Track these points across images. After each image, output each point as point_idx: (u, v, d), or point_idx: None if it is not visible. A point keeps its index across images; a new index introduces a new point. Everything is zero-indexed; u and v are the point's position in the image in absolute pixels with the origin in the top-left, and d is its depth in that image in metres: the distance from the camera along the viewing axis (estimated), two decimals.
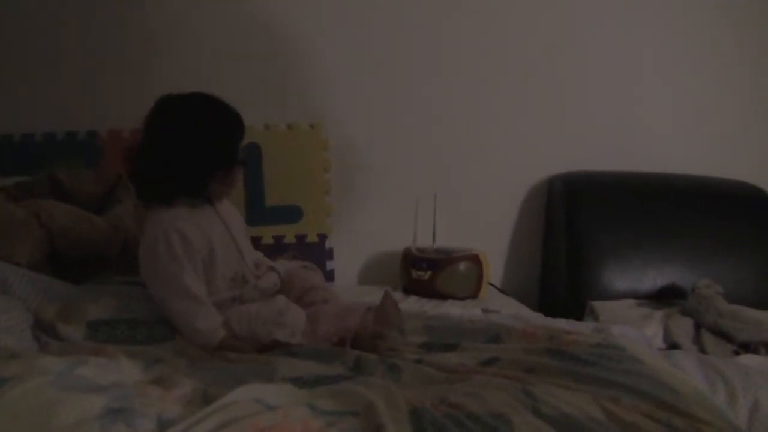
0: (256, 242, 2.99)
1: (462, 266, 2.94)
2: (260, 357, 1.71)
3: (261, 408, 1.20)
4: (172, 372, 1.49)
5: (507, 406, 1.26)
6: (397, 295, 2.94)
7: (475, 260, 2.95)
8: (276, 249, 3.04)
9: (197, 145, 1.87)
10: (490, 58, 3.28)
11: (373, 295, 2.79)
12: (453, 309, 2.64)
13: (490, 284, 3.12)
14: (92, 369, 1.33)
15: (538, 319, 2.34)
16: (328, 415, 1.21)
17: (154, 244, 1.82)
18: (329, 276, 3.16)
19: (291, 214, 3.15)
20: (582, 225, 3.11)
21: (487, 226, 3.35)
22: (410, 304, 2.79)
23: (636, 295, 2.96)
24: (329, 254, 3.20)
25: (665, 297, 2.94)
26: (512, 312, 2.58)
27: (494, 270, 3.25)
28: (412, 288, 2.99)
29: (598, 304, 2.84)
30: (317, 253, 3.15)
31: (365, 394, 1.27)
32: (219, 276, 1.90)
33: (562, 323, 2.20)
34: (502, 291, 3.25)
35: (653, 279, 3.01)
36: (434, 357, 1.74)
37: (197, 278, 1.84)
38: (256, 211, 3.12)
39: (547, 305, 3.16)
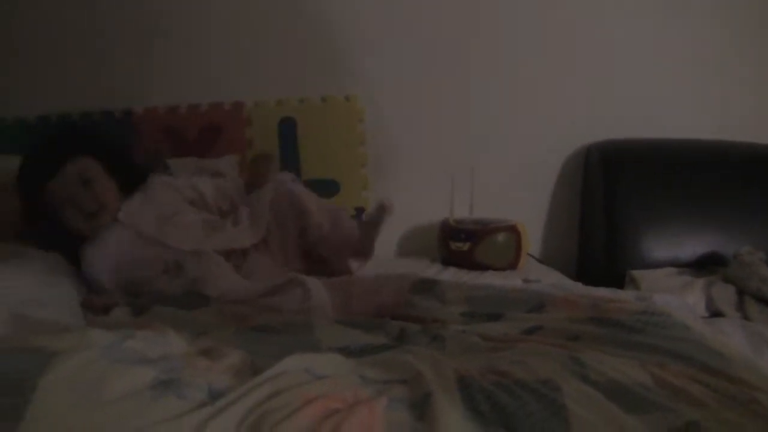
0: None
1: (500, 237, 2.92)
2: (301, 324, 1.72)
3: (310, 377, 1.21)
4: (218, 343, 1.50)
5: (554, 373, 1.25)
6: (436, 267, 2.95)
7: (514, 230, 2.93)
8: None
9: None
10: (527, 27, 3.27)
11: (412, 268, 2.82)
12: (493, 280, 2.63)
13: (529, 254, 3.10)
14: (140, 342, 1.34)
15: (580, 288, 2.33)
16: (376, 384, 1.21)
17: None
18: None
19: (328, 187, 3.14)
20: (620, 193, 3.09)
21: (523, 196, 3.34)
22: (450, 275, 2.79)
23: (676, 264, 2.94)
24: None
25: (705, 265, 2.91)
26: (553, 282, 2.57)
27: (532, 240, 3.23)
28: (450, 260, 2.99)
29: (638, 273, 2.82)
30: None
31: (413, 363, 1.27)
32: (150, 278, 2.05)
33: (604, 292, 2.19)
34: (540, 261, 3.24)
35: (693, 247, 2.99)
36: (477, 327, 1.74)
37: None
38: None
39: (586, 275, 3.13)
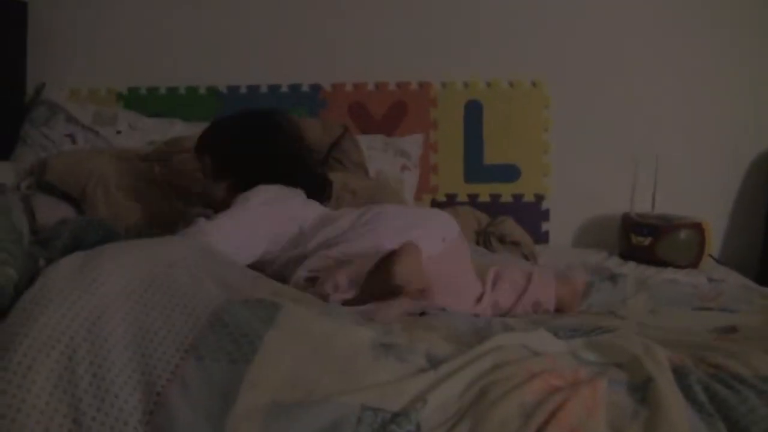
0: (473, 200, 3.05)
1: (684, 234, 2.85)
2: None
3: (528, 353, 1.22)
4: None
5: None
6: (614, 261, 2.91)
7: (698, 228, 2.86)
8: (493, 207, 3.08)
9: None
10: (719, 18, 3.17)
11: (588, 258, 2.79)
12: (676, 277, 2.58)
13: (709, 255, 3.02)
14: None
15: None
16: (592, 365, 1.21)
17: None
18: (543, 237, 3.16)
19: (509, 173, 3.17)
20: None
21: (705, 193, 3.24)
22: (629, 269, 2.74)
23: None
24: (545, 215, 3.19)
25: None
26: (739, 284, 2.49)
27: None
28: (630, 254, 2.94)
29: None
30: (533, 213, 3.17)
31: (627, 347, 1.26)
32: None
33: None
34: (719, 261, 3.14)
35: None
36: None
37: None
38: (474, 169, 3.17)
39: None
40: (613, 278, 2.15)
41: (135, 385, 1.08)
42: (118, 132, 3.05)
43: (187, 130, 2.97)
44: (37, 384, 1.05)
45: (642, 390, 1.12)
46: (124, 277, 1.24)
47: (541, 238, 3.14)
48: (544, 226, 3.19)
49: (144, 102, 3.31)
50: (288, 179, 2.08)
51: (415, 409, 1.06)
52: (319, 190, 2.19)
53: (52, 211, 2.32)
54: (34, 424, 1.02)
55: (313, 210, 2.03)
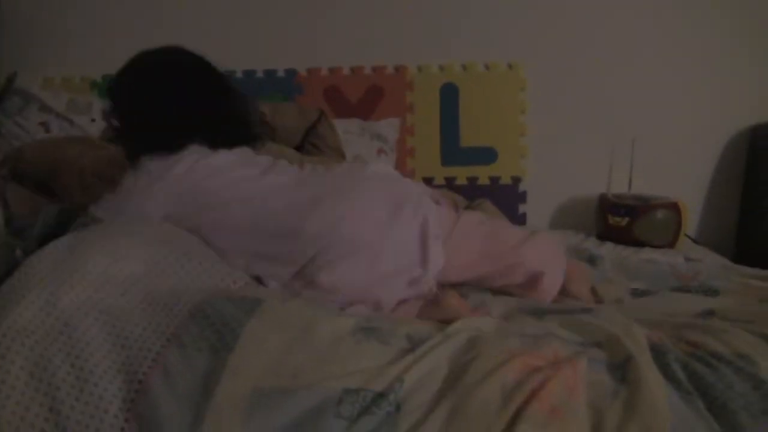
0: (450, 183, 3.05)
1: (661, 214, 2.86)
2: None
3: (506, 332, 1.22)
4: None
5: (751, 348, 1.23)
6: (592, 242, 2.91)
7: (674, 208, 2.87)
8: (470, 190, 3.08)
9: None
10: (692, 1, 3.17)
11: (566, 240, 2.80)
12: (654, 256, 2.59)
13: (685, 235, 3.04)
14: None
15: (750, 271, 2.25)
16: (573, 345, 1.22)
17: None
18: (521, 219, 3.17)
19: (485, 155, 3.17)
20: None
21: (681, 173, 3.24)
22: (606, 250, 2.75)
23: None
24: (522, 197, 3.20)
25: None
26: (716, 263, 2.50)
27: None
28: (607, 234, 2.94)
29: None
30: (510, 195, 3.18)
31: (606, 327, 1.26)
32: None
33: None
34: (695, 241, 3.16)
35: None
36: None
37: None
38: (451, 152, 3.17)
39: (746, 258, 3.04)
40: (591, 259, 2.16)
41: (115, 373, 1.07)
42: (93, 120, 3.02)
43: None
44: (12, 373, 1.04)
45: (621, 369, 1.13)
46: (105, 266, 1.24)
47: (519, 220, 3.16)
48: (521, 208, 3.20)
49: None
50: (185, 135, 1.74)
51: (394, 390, 1.06)
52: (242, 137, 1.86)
53: (26, 201, 2.29)
54: (9, 414, 1.02)
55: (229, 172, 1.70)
